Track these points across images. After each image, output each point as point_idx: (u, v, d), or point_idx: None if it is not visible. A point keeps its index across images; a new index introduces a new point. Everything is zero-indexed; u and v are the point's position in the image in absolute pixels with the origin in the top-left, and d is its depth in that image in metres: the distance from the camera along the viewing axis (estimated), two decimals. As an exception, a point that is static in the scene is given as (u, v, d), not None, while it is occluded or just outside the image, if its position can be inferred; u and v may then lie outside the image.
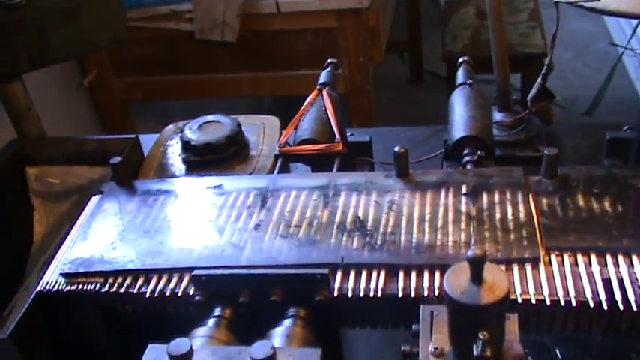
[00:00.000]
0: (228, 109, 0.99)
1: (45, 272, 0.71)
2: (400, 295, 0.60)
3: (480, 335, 0.45)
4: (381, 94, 1.80)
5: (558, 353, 0.72)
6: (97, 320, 0.70)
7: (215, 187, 0.78)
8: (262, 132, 0.94)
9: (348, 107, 1.79)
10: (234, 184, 0.78)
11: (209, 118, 0.93)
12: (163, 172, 0.91)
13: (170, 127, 1.00)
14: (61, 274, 0.69)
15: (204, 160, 0.89)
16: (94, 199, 0.81)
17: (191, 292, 0.64)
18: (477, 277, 0.46)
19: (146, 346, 0.56)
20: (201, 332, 0.60)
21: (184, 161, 0.90)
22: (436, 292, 0.60)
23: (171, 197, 0.78)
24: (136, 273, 0.68)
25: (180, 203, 0.77)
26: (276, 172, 0.83)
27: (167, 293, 0.65)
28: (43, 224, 0.94)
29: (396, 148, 0.73)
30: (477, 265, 0.46)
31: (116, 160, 0.80)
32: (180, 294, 0.65)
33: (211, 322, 0.61)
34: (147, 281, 0.67)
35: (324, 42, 1.68)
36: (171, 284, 0.66)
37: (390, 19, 2.05)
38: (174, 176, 0.90)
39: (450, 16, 2.36)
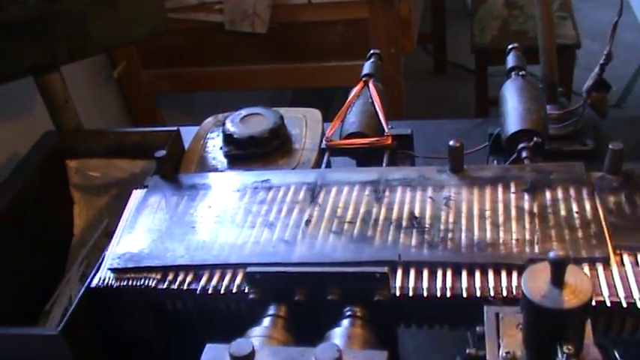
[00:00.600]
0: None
1: (93, 267, 0.70)
2: (465, 295, 0.58)
3: (565, 349, 0.43)
4: (404, 85, 1.77)
5: (617, 356, 0.69)
6: (145, 316, 0.69)
7: (262, 181, 0.77)
8: (305, 125, 0.93)
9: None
10: (282, 179, 0.76)
11: (250, 110, 0.92)
12: (204, 165, 0.90)
13: (210, 119, 0.99)
14: (110, 270, 0.68)
15: (247, 153, 0.87)
16: (137, 193, 0.80)
17: (234, 289, 0.63)
18: (558, 280, 0.44)
19: (198, 343, 0.55)
20: (258, 332, 0.58)
21: (226, 155, 0.89)
22: (507, 293, 0.58)
23: (217, 191, 0.76)
24: (186, 269, 0.66)
25: (226, 198, 0.75)
26: (323, 166, 0.81)
27: (219, 290, 0.64)
28: (83, 217, 0.93)
29: (451, 142, 0.71)
30: (559, 268, 0.44)
31: (161, 153, 0.79)
32: (233, 291, 0.63)
33: (267, 321, 0.60)
34: (197, 277, 0.66)
35: (354, 33, 1.65)
36: (223, 281, 0.65)
37: (421, 9, 2.02)
38: (215, 170, 0.88)
39: (477, 6, 2.33)
